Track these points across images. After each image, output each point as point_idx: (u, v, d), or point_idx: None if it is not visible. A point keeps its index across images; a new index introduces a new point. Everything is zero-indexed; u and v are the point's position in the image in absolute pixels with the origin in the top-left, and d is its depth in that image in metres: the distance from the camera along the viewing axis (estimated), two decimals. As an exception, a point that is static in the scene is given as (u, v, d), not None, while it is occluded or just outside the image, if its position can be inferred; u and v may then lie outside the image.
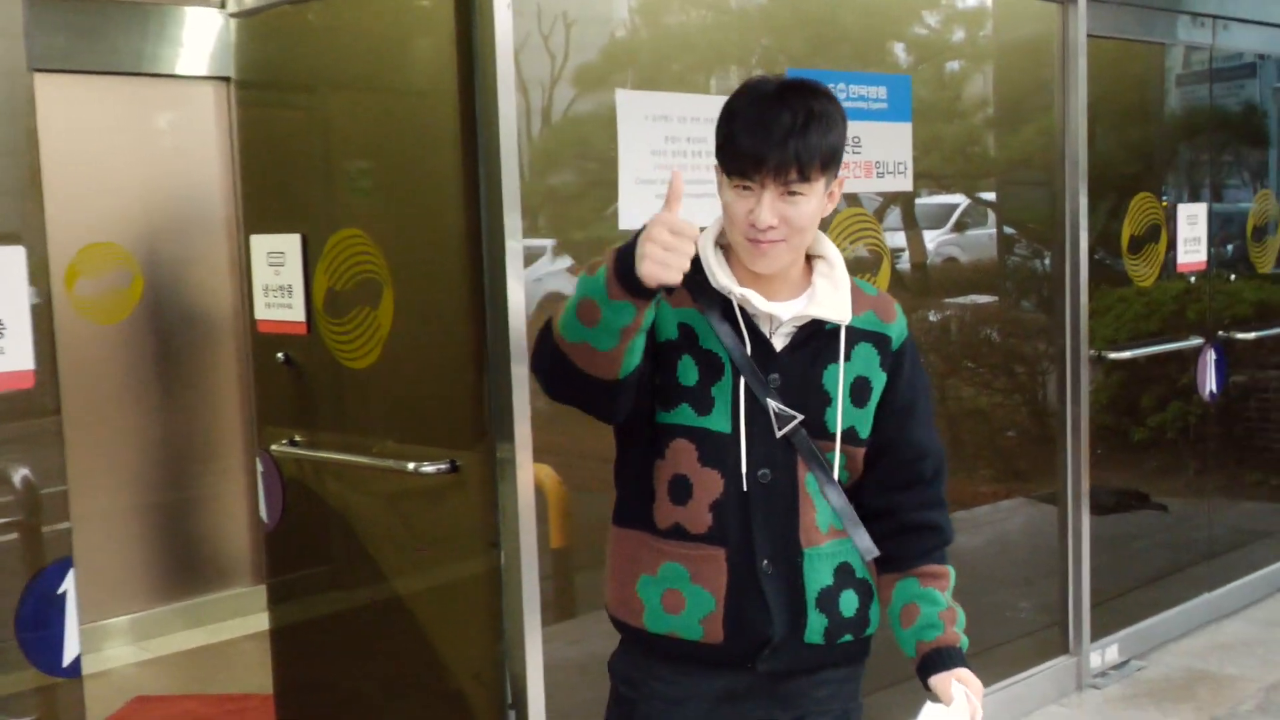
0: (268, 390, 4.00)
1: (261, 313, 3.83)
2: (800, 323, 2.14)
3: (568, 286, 3.83)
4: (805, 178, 2.03)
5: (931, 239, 4.91)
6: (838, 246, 2.30)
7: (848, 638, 2.20)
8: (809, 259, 2.19)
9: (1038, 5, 4.81)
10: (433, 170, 3.39)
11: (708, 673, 2.18)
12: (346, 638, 3.85)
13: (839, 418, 2.16)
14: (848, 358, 2.17)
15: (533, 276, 3.50)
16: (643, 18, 3.87)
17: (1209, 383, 5.68)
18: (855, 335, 2.18)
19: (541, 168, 3.67)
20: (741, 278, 2.13)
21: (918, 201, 4.55)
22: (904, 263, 4.51)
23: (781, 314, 2.12)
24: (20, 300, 2.63)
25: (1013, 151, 5.03)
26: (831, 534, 2.18)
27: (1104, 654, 5.10)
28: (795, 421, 2.12)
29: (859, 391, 2.18)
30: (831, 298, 2.15)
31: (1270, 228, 6.14)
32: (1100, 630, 5.09)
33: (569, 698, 3.44)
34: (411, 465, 3.38)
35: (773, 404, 2.11)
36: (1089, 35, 4.82)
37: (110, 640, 5.51)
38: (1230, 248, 5.98)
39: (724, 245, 2.16)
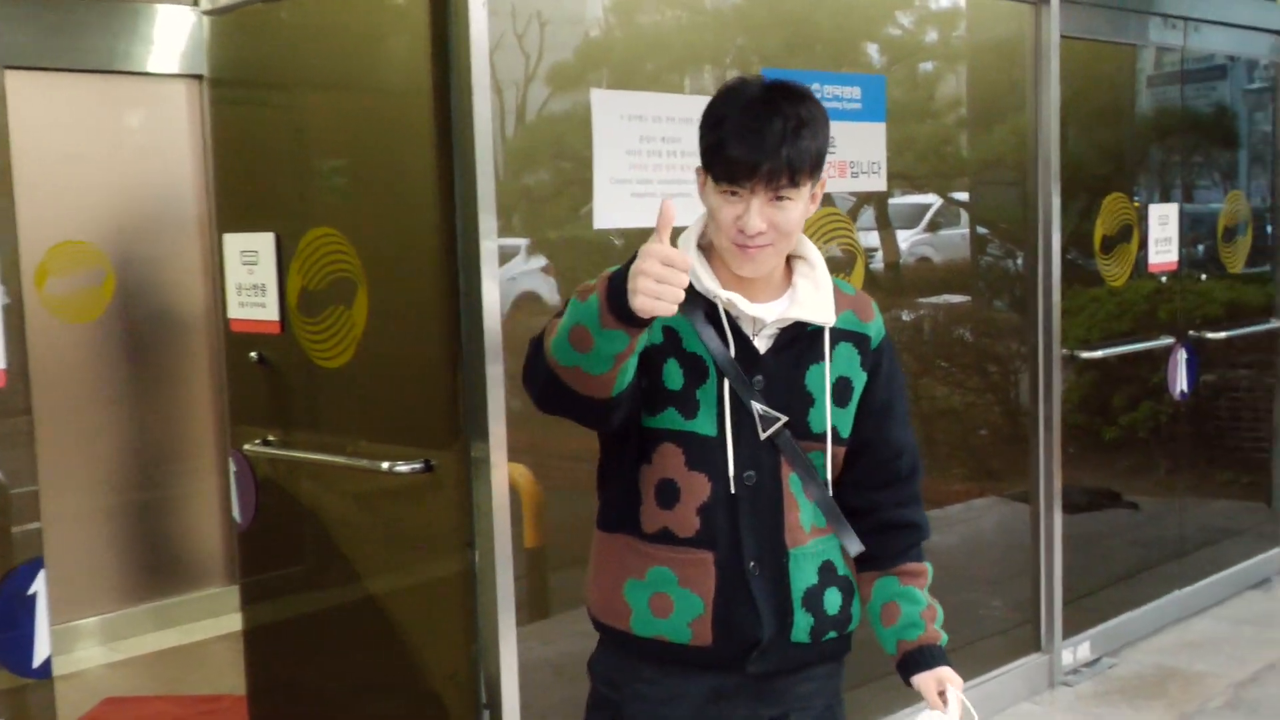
0: (241, 390, 3.99)
1: (235, 312, 3.81)
2: (783, 324, 2.14)
3: (543, 286, 3.83)
4: (795, 184, 2.02)
5: (905, 239, 4.92)
6: (812, 246, 2.30)
7: (832, 635, 2.21)
8: (789, 259, 2.18)
9: (1011, 6, 4.83)
10: (407, 169, 3.38)
11: (695, 673, 2.18)
12: (320, 638, 3.84)
13: (827, 418, 2.16)
14: (830, 358, 2.17)
15: (507, 275, 3.50)
16: (618, 18, 3.88)
17: (1180, 382, 5.72)
18: (836, 335, 2.18)
19: (517, 167, 3.67)
20: (724, 280, 2.12)
21: (891, 201, 4.56)
22: (877, 262, 4.52)
23: (766, 317, 2.12)
24: (-10, 299, 2.62)
25: (985, 152, 5.06)
26: (815, 533, 2.18)
27: (1075, 651, 5.13)
28: (780, 423, 2.12)
29: (841, 391, 2.18)
30: (813, 299, 2.14)
31: (1240, 228, 6.18)
32: (1072, 628, 5.11)
33: (544, 698, 3.44)
34: (386, 465, 3.37)
35: (757, 406, 2.11)
36: (1062, 36, 4.83)
37: (81, 641, 5.47)
38: (1201, 248, 6.02)
39: (704, 246, 2.15)
